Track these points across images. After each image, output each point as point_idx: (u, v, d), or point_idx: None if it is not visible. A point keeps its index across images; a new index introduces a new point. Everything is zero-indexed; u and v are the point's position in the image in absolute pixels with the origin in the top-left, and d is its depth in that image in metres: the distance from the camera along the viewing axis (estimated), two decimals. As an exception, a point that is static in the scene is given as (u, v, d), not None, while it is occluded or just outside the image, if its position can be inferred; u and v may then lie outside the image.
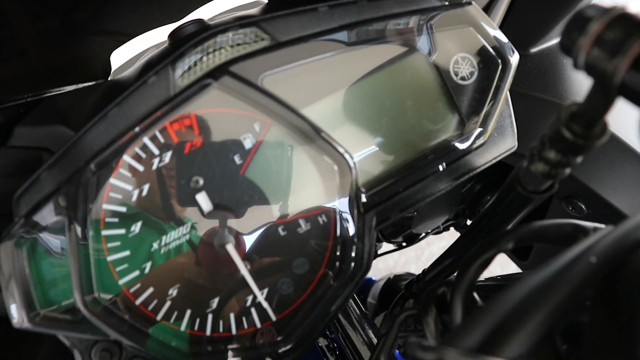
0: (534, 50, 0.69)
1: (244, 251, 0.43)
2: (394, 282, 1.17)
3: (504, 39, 0.47)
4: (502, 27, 0.68)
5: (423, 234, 0.99)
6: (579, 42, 0.27)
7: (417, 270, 2.43)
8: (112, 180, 0.41)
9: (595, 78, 0.29)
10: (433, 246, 2.51)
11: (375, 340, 0.64)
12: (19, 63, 0.54)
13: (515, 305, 0.27)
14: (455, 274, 0.82)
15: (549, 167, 0.36)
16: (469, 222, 1.05)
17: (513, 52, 0.48)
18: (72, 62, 0.63)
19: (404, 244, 1.02)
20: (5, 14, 0.50)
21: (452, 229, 1.08)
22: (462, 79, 0.48)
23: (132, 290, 0.42)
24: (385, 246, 1.20)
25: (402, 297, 0.85)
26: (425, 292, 0.79)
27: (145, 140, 0.41)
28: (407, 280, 1.19)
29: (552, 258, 0.29)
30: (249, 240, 0.44)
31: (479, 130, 0.48)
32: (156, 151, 0.41)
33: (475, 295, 0.41)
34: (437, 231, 1.00)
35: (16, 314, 0.39)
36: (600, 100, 0.30)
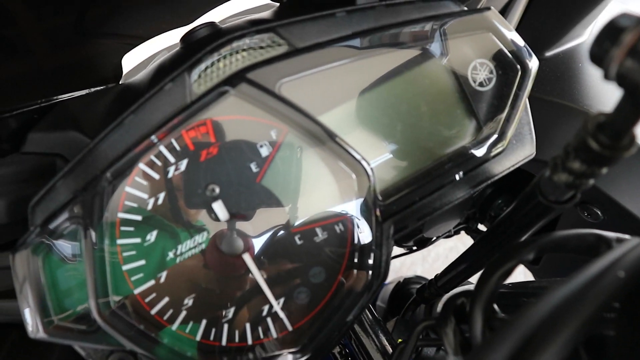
0: (549, 53, 0.69)
1: (253, 253, 0.43)
2: (404, 286, 1.16)
3: (522, 44, 0.47)
4: (517, 30, 0.67)
5: (434, 238, 0.98)
6: (611, 53, 0.26)
7: (423, 270, 2.42)
8: (128, 189, 0.40)
9: (627, 89, 0.28)
10: (439, 247, 2.50)
11: (388, 348, 0.63)
12: (31, 65, 0.54)
13: (544, 320, 0.26)
14: (469, 281, 0.81)
15: (572, 178, 0.36)
16: (480, 226, 1.04)
17: (532, 57, 0.47)
18: (83, 65, 0.63)
19: (415, 247, 1.01)
20: (17, 16, 0.50)
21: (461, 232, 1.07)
22: (480, 85, 0.47)
23: (147, 299, 0.41)
24: (395, 249, 1.19)
25: (414, 302, 0.85)
26: (437, 297, 0.79)
27: (161, 148, 0.40)
28: (417, 283, 1.19)
29: (576, 271, 0.29)
30: (258, 244, 0.43)
31: (496, 137, 0.47)
32: (172, 159, 0.41)
33: (495, 306, 0.41)
34: (448, 235, 1.00)
35: (31, 323, 0.39)
36: (630, 111, 0.30)
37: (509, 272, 0.40)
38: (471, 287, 0.81)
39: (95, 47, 0.63)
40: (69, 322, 0.40)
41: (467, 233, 1.06)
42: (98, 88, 0.62)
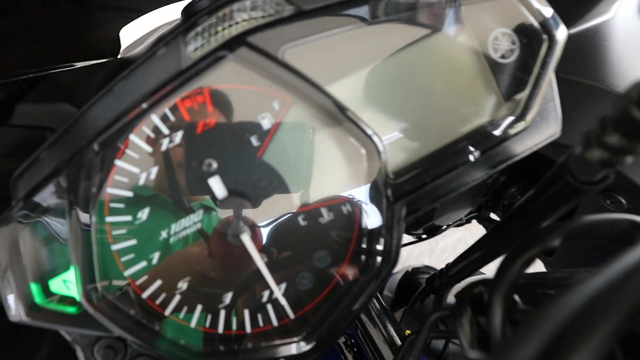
0: (572, 30, 0.64)
1: (260, 243, 0.40)
2: (412, 275, 1.13)
3: (550, 11, 0.43)
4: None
5: (444, 226, 0.94)
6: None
7: (430, 261, 2.39)
8: (118, 162, 0.37)
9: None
10: (447, 238, 2.46)
11: (397, 339, 0.60)
12: (21, 35, 0.50)
13: (577, 314, 0.23)
14: (480, 271, 0.78)
15: (608, 154, 0.32)
16: (492, 215, 1.01)
17: (560, 26, 0.43)
18: (79, 37, 0.59)
19: (424, 236, 0.98)
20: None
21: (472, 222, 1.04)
22: (502, 56, 0.43)
23: (138, 282, 0.38)
24: (404, 237, 1.16)
25: (423, 292, 0.81)
26: (447, 287, 0.75)
27: (154, 118, 0.37)
28: (426, 273, 1.15)
29: (610, 260, 0.25)
30: (265, 232, 0.40)
31: (519, 114, 0.43)
32: (166, 130, 0.38)
33: (516, 296, 0.37)
34: (459, 223, 0.96)
35: (13, 307, 0.36)
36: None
37: (532, 260, 0.36)
38: (487, 276, 0.77)
39: (91, 20, 0.59)
40: (54, 305, 0.37)
41: (479, 222, 1.03)
42: (94, 62, 0.58)
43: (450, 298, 0.81)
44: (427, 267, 1.19)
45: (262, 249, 0.40)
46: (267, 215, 0.40)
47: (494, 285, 0.37)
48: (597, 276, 0.26)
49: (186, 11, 0.59)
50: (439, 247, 2.45)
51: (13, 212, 0.36)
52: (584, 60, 0.62)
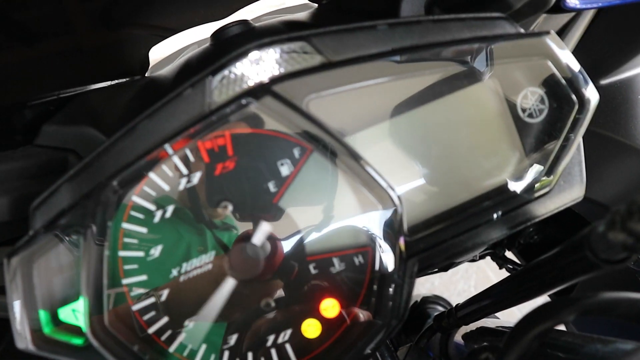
0: (605, 81, 0.63)
1: (281, 257, 0.40)
2: (421, 305, 1.11)
3: (584, 75, 0.42)
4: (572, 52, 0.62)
5: (458, 262, 0.93)
6: None
7: (441, 282, 2.36)
8: (135, 198, 0.38)
9: None
10: (460, 261, 2.42)
11: (399, 381, 0.59)
12: (51, 53, 0.51)
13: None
14: (494, 315, 0.76)
15: (633, 240, 0.31)
16: (507, 253, 0.99)
17: (592, 91, 0.42)
18: (108, 55, 0.60)
19: (436, 270, 0.97)
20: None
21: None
22: (530, 116, 0.43)
23: (145, 317, 0.39)
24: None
25: (430, 330, 0.80)
26: (455, 328, 0.74)
27: (174, 158, 0.37)
28: (435, 304, 1.14)
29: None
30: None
31: (543, 176, 0.42)
32: (185, 170, 0.38)
33: (526, 369, 0.36)
34: (472, 260, 0.95)
35: (20, 334, 0.36)
36: None
37: (544, 334, 0.36)
38: (496, 322, 0.76)
39: (123, 36, 0.60)
40: (61, 335, 0.37)
41: (493, 259, 1.01)
42: (122, 80, 0.59)
43: (458, 338, 0.79)
44: (437, 297, 1.17)
45: (281, 265, 0.40)
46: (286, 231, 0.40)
47: (503, 355, 0.36)
48: None
49: (216, 36, 0.60)
50: (450, 270, 2.42)
51: (30, 240, 0.36)
52: (615, 114, 0.60)
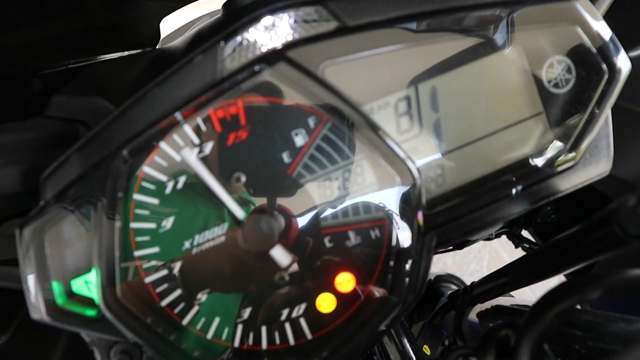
0: (634, 53, 0.60)
1: (295, 233, 0.39)
2: (434, 283, 1.11)
3: (612, 38, 0.39)
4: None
5: (473, 240, 0.92)
6: None
7: (454, 262, 2.34)
8: (146, 169, 0.37)
9: None
10: (473, 241, 2.41)
11: (413, 358, 0.59)
12: (60, 24, 0.50)
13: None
14: (510, 294, 0.75)
15: (667, 213, 0.29)
16: (523, 232, 0.97)
17: (624, 60, 0.40)
18: (119, 26, 0.59)
19: (451, 247, 0.95)
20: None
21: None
22: (556, 86, 0.41)
23: (158, 290, 0.38)
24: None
25: (444, 308, 0.80)
26: (470, 306, 0.73)
27: (185, 127, 0.36)
28: (448, 282, 1.13)
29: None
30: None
31: (568, 149, 0.41)
32: (196, 140, 0.37)
33: (547, 347, 0.35)
34: (488, 238, 0.93)
35: (35, 305, 0.36)
36: None
37: (567, 311, 0.34)
38: (510, 301, 0.75)
39: (134, 7, 0.59)
40: (74, 306, 0.37)
41: (509, 238, 1.00)
42: (133, 52, 0.58)
43: (472, 316, 0.78)
44: (450, 276, 1.17)
45: (296, 241, 0.39)
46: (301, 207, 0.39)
47: (523, 333, 0.35)
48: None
49: (227, 6, 0.58)
50: (463, 249, 2.40)
51: (41, 211, 0.36)
52: (644, 88, 0.57)
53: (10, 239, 0.45)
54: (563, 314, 0.34)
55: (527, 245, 0.95)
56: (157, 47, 0.62)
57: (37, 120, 0.44)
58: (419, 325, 0.79)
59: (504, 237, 1.00)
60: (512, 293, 0.81)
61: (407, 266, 0.40)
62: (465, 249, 2.43)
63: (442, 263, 2.42)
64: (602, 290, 0.34)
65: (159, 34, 0.64)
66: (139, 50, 0.59)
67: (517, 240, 0.98)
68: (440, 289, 1.11)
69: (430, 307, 0.92)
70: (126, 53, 0.57)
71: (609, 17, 0.57)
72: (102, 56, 0.53)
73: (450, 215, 0.39)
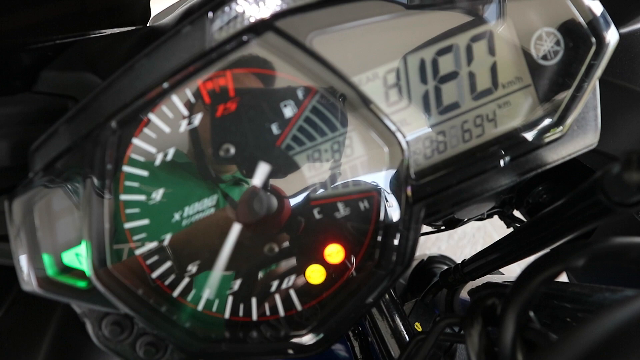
0: (624, 30, 0.60)
1: (288, 214, 0.39)
2: (427, 264, 1.11)
3: (600, 8, 0.39)
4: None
5: (465, 220, 0.93)
6: None
7: (448, 247, 2.36)
8: (135, 141, 0.37)
9: None
10: (466, 226, 2.43)
11: (404, 333, 0.60)
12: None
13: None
14: (499, 270, 0.75)
15: (650, 179, 0.30)
16: (515, 212, 0.98)
17: (611, 30, 0.40)
18: (111, 4, 0.59)
19: (443, 227, 0.96)
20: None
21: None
22: (544, 58, 0.41)
23: (149, 262, 0.38)
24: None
25: (436, 286, 0.81)
26: (461, 284, 0.74)
27: (174, 98, 0.36)
28: (441, 263, 1.14)
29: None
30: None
31: (555, 120, 0.41)
32: (185, 112, 0.37)
33: (532, 314, 0.36)
34: (480, 218, 0.94)
35: (26, 277, 0.36)
36: None
37: (552, 278, 0.35)
38: (501, 278, 0.75)
39: (123, -16, 0.58)
40: (65, 278, 0.37)
41: (501, 218, 1.00)
42: (123, 29, 0.58)
43: (463, 294, 0.79)
44: (443, 257, 1.18)
45: (288, 221, 0.39)
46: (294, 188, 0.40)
47: (509, 300, 0.35)
48: (622, 309, 0.25)
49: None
50: (457, 233, 2.41)
51: (30, 183, 0.36)
52: (633, 64, 0.58)
53: (1, 215, 0.45)
54: (548, 281, 0.35)
55: (519, 225, 0.96)
56: (147, 25, 0.62)
57: (26, 95, 0.44)
58: (412, 303, 0.80)
59: (497, 221, 1.01)
60: (503, 271, 0.82)
61: (395, 240, 0.40)
62: (459, 234, 2.45)
63: (437, 247, 2.44)
64: (585, 258, 0.34)
65: (149, 12, 0.64)
66: (129, 28, 0.58)
67: (509, 221, 0.99)
68: (433, 269, 1.13)
69: (423, 287, 0.93)
70: (117, 30, 0.56)
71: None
72: (92, 32, 0.53)
73: (438, 186, 0.39)
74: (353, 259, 0.41)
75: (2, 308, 0.52)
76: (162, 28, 0.58)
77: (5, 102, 0.42)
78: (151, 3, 0.64)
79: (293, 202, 0.39)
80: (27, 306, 0.51)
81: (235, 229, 0.39)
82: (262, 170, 0.38)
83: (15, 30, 0.48)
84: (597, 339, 0.21)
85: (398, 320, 0.61)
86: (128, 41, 0.55)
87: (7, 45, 0.43)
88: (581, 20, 0.39)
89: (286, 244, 0.40)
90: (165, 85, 0.35)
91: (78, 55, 0.48)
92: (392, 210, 0.40)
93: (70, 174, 0.36)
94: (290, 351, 0.40)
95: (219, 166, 0.38)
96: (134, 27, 0.59)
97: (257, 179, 0.38)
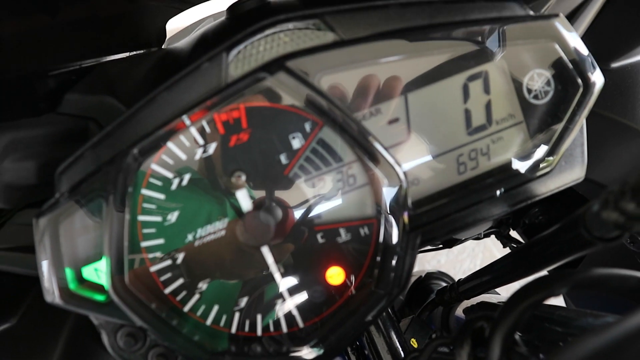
0: (615, 64, 0.63)
1: (292, 223, 0.42)
2: (425, 280, 1.14)
3: (591, 59, 0.43)
4: (584, 36, 0.62)
5: (462, 239, 0.95)
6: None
7: (447, 261, 2.37)
8: (154, 166, 0.40)
9: None
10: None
11: (399, 348, 0.62)
12: (72, 24, 0.53)
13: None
14: (495, 290, 0.78)
15: (624, 219, 0.32)
16: (511, 232, 1.00)
17: (597, 74, 0.43)
18: (127, 26, 0.62)
19: (441, 245, 0.99)
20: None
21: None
22: (535, 97, 0.44)
23: (162, 278, 0.41)
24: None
25: (432, 303, 0.83)
26: (456, 302, 0.76)
27: (192, 129, 0.39)
28: (439, 279, 1.16)
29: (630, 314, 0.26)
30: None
31: (544, 155, 0.44)
32: (201, 141, 0.40)
33: (518, 336, 0.39)
34: (477, 237, 0.96)
35: (49, 289, 0.39)
36: None
37: (537, 304, 0.38)
38: (497, 298, 0.78)
39: (140, 6, 0.61)
40: (85, 291, 0.40)
41: (497, 238, 1.03)
42: (139, 52, 0.61)
43: (459, 312, 0.82)
44: (441, 274, 1.20)
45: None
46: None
47: (496, 324, 0.38)
48: (606, 333, 0.27)
49: (232, 10, 0.61)
50: (457, 248, 2.42)
51: (56, 203, 0.39)
52: (623, 98, 0.61)
53: (24, 227, 0.48)
54: (533, 306, 0.37)
55: (515, 245, 0.99)
56: (163, 47, 0.65)
57: (51, 117, 0.47)
58: (409, 319, 0.82)
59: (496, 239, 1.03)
60: (499, 291, 0.84)
61: (393, 262, 0.43)
62: (459, 248, 2.47)
63: (436, 261, 2.45)
64: (568, 286, 0.37)
65: (165, 34, 0.67)
66: (145, 50, 0.62)
67: (506, 240, 1.01)
68: (430, 286, 1.15)
69: (420, 303, 0.95)
70: (134, 53, 0.60)
71: (591, 33, 0.60)
72: (111, 56, 0.56)
73: (434, 216, 0.42)
74: (353, 279, 0.44)
75: (17, 315, 0.54)
76: (177, 51, 0.61)
77: (32, 124, 0.45)
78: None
79: (297, 213, 0.42)
80: (41, 313, 0.54)
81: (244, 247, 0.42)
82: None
83: (38, 50, 0.51)
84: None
85: (394, 336, 0.63)
86: (145, 64, 0.58)
87: (34, 72, 0.46)
88: (567, 61, 0.42)
89: (290, 264, 0.43)
90: (185, 117, 0.38)
91: (98, 78, 0.52)
92: (391, 232, 0.43)
93: (94, 196, 0.39)
94: (292, 365, 0.43)
95: (227, 180, 0.41)
96: (150, 50, 0.62)
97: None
